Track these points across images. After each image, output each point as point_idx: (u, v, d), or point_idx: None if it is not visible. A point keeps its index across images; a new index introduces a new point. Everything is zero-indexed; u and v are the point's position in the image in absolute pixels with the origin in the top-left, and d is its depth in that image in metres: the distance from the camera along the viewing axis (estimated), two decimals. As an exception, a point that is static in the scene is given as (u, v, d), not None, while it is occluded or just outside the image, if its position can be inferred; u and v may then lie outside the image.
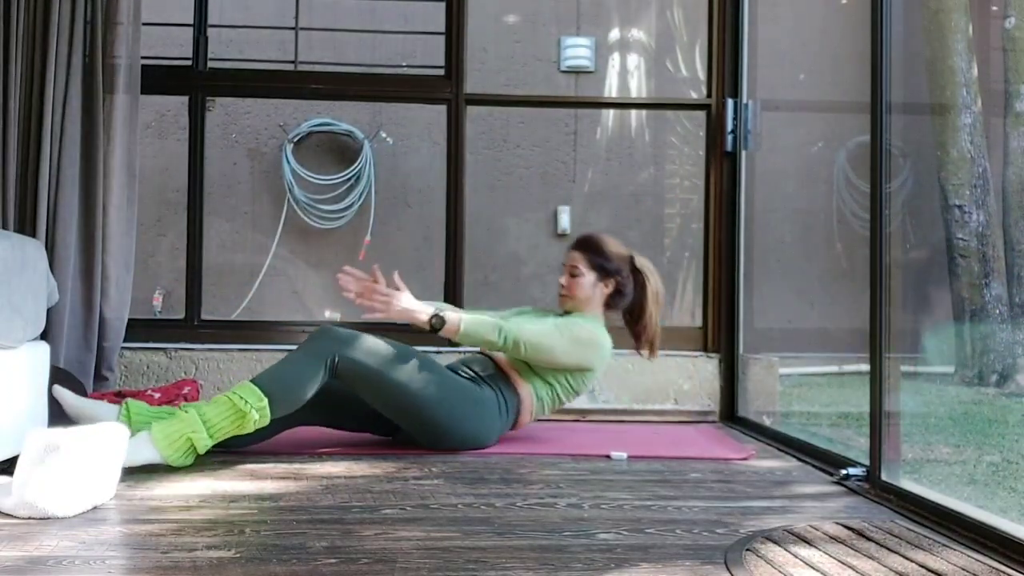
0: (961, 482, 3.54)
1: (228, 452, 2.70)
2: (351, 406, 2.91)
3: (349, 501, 2.24)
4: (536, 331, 2.94)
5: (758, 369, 3.80)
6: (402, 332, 3.31)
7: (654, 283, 3.15)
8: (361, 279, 2.94)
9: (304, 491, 2.35)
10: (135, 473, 2.45)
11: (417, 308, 2.88)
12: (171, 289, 5.08)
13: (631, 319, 3.18)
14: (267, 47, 5.43)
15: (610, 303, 3.15)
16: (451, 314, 2.91)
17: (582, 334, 2.99)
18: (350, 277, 2.95)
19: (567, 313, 3.15)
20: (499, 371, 3.00)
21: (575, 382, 3.04)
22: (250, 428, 2.60)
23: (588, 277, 3.12)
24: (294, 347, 2.76)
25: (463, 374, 2.98)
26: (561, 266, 3.19)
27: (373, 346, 2.78)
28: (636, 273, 3.15)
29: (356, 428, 3.03)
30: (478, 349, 3.17)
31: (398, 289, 2.90)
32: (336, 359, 2.71)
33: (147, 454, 2.48)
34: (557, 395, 3.04)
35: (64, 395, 2.70)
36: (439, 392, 2.84)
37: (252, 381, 2.65)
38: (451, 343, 3.09)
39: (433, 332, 2.88)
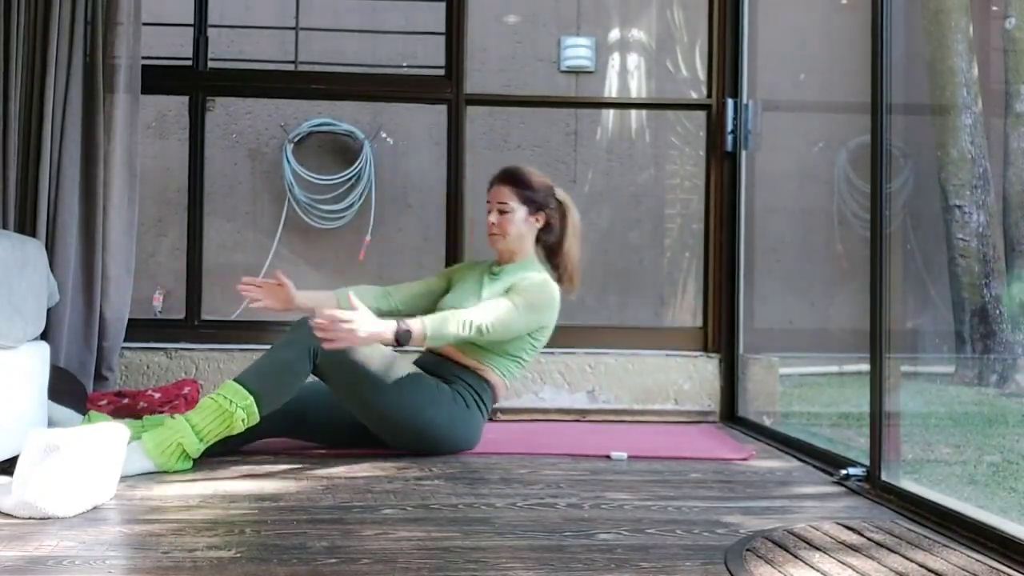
0: (961, 482, 3.54)
1: (228, 452, 2.70)
2: (343, 427, 2.85)
3: (349, 501, 2.24)
4: (495, 313, 2.79)
5: (758, 369, 3.80)
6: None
7: (574, 214, 3.04)
8: (266, 283, 2.91)
9: (304, 491, 2.35)
10: (135, 473, 2.45)
11: (381, 327, 2.58)
12: (171, 289, 5.07)
13: (550, 253, 3.05)
14: (267, 47, 5.43)
15: (540, 238, 3.03)
16: (412, 322, 2.65)
17: (536, 299, 2.87)
18: (252, 286, 2.90)
19: (498, 265, 3.02)
20: (460, 366, 2.89)
21: (535, 342, 2.96)
22: (239, 427, 2.56)
23: (519, 212, 2.98)
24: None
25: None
26: (486, 204, 3.02)
27: None
28: (559, 204, 3.03)
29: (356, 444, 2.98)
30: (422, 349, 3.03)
31: (354, 309, 2.59)
32: (318, 348, 2.63)
33: (140, 464, 2.47)
34: (521, 360, 2.96)
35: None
36: (415, 389, 2.76)
37: (236, 380, 2.60)
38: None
39: (398, 346, 2.64)
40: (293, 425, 2.82)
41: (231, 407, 2.54)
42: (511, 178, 3.00)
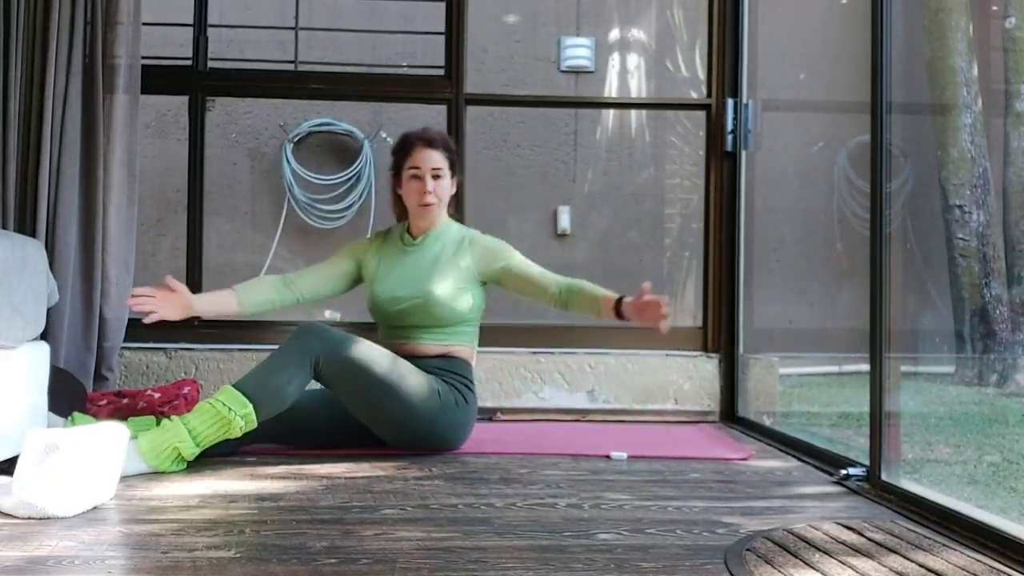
0: (961, 482, 3.54)
1: (228, 452, 2.70)
2: (343, 427, 2.85)
3: (349, 501, 2.24)
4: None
5: (758, 369, 3.80)
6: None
7: None
8: (159, 290, 2.76)
9: (304, 491, 2.35)
10: (130, 474, 2.45)
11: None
12: (171, 289, 5.06)
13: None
14: (267, 47, 5.42)
15: (451, 201, 2.99)
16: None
17: (493, 246, 2.93)
18: (144, 296, 2.72)
19: (410, 236, 2.95)
20: (429, 358, 2.87)
21: (485, 295, 2.98)
22: (237, 434, 2.57)
23: (447, 178, 2.92)
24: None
25: None
26: (410, 170, 2.89)
27: (356, 344, 2.73)
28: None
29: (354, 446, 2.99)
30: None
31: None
32: (319, 357, 2.66)
33: (135, 465, 2.46)
34: (475, 321, 2.96)
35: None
36: (418, 391, 2.77)
37: (235, 386, 2.60)
38: None
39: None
40: (289, 430, 2.81)
41: (230, 414, 2.54)
42: (441, 143, 2.92)
